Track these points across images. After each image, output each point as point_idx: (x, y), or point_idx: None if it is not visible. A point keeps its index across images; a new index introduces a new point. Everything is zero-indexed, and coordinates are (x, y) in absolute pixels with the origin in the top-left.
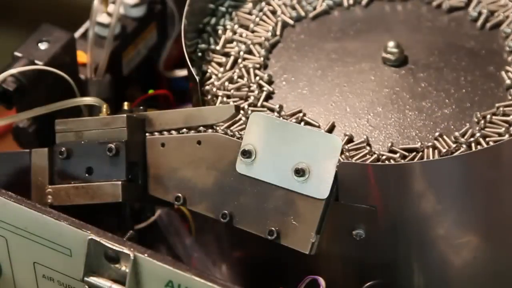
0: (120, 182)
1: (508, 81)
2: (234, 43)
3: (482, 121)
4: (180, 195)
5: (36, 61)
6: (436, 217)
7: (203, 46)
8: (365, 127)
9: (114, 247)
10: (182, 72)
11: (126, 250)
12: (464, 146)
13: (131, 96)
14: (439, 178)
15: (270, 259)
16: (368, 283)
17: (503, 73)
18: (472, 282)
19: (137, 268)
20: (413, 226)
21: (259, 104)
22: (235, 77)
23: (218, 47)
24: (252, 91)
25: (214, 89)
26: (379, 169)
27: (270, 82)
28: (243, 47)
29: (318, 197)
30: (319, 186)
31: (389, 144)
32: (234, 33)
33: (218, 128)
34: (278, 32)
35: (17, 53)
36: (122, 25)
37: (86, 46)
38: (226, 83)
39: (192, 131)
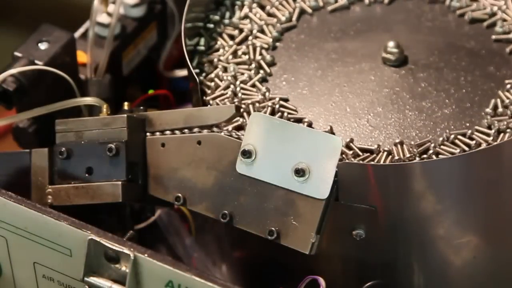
0: (120, 182)
1: (488, 109)
2: (248, 20)
3: (441, 138)
4: (180, 195)
5: (36, 61)
6: (436, 217)
7: (216, 17)
8: (365, 127)
9: (114, 247)
10: (182, 72)
11: (126, 250)
12: (417, 158)
13: (131, 96)
14: (439, 178)
15: (270, 259)
16: (368, 283)
17: (492, 101)
18: (472, 282)
19: (137, 268)
20: (413, 226)
21: (249, 84)
22: (240, 52)
23: (234, 19)
24: (250, 70)
25: (215, 60)
26: (379, 169)
27: (271, 64)
28: (255, 26)
29: (318, 197)
30: (319, 186)
31: (348, 140)
32: (250, 10)
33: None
34: (294, 18)
35: (17, 53)
36: (122, 25)
37: (86, 46)
38: (230, 57)
39: (192, 131)
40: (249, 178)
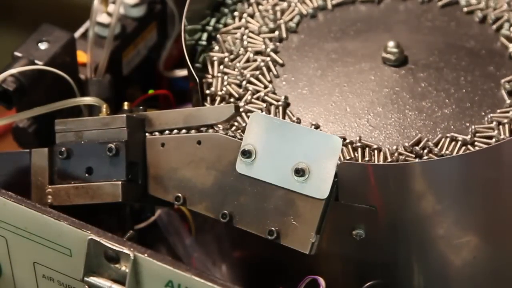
0: (120, 182)
1: (407, 143)
2: None
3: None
4: (180, 195)
5: (36, 61)
6: (436, 217)
7: None
8: (365, 127)
9: (114, 247)
10: (182, 72)
11: (126, 250)
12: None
13: (131, 96)
14: (439, 178)
15: (270, 259)
16: (368, 283)
17: (419, 135)
18: (472, 282)
19: (137, 268)
20: (413, 226)
21: (255, 37)
22: (271, 10)
23: None
24: (267, 25)
25: (245, 5)
26: (379, 169)
27: (292, 31)
28: None
29: (318, 197)
30: (319, 186)
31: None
32: None
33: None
34: (329, 6)
35: (17, 53)
36: (122, 25)
37: (86, 46)
38: (269, 7)
39: (192, 131)
40: (249, 178)
